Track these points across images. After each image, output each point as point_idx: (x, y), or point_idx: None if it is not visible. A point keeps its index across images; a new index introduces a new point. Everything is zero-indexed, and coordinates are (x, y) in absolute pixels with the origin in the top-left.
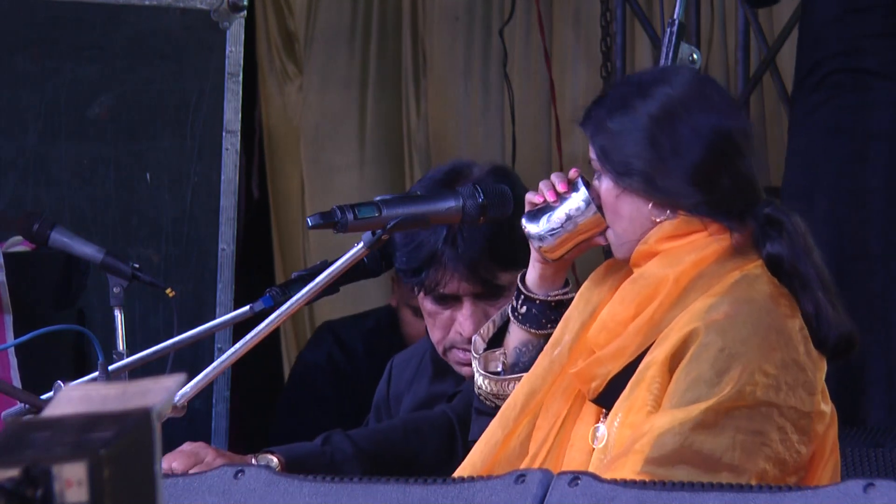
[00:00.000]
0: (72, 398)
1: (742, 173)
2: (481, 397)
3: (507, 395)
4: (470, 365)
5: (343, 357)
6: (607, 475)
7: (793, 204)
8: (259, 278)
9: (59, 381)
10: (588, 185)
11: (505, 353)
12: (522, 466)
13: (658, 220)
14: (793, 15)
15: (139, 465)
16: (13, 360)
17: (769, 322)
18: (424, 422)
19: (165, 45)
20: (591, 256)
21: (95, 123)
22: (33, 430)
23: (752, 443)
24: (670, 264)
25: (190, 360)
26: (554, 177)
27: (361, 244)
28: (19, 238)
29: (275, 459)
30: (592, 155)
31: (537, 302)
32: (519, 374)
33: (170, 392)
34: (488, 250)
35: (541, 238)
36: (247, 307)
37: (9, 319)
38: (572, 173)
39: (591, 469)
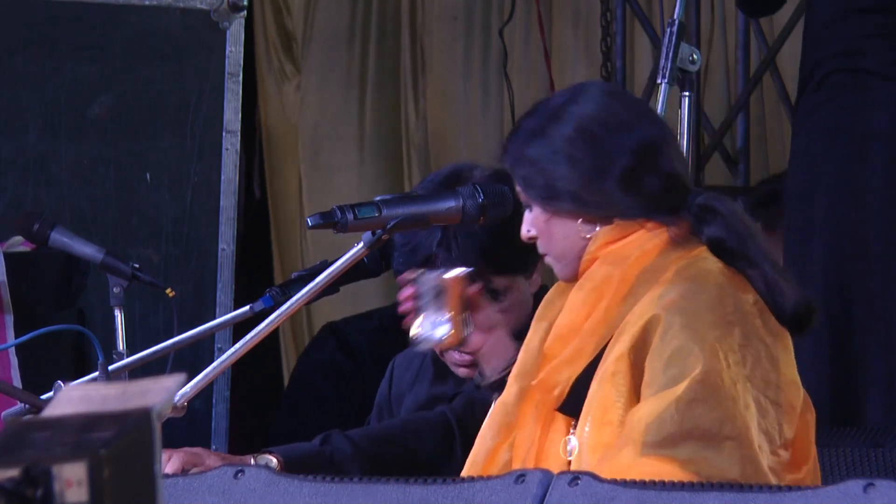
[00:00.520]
0: (72, 398)
1: (666, 171)
2: None
3: None
4: (467, 367)
5: (346, 357)
6: (604, 470)
7: (795, 204)
8: (259, 278)
9: (59, 381)
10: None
11: None
12: None
13: (588, 235)
14: (793, 15)
15: (139, 465)
16: (13, 360)
17: (723, 298)
18: (423, 422)
19: (165, 45)
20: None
21: (95, 123)
22: (33, 430)
23: (740, 412)
24: (613, 263)
25: (190, 360)
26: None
27: (361, 244)
28: (19, 238)
29: (273, 459)
30: (518, 188)
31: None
32: None
33: (170, 392)
34: (482, 255)
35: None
36: (247, 307)
37: (9, 319)
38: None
39: None
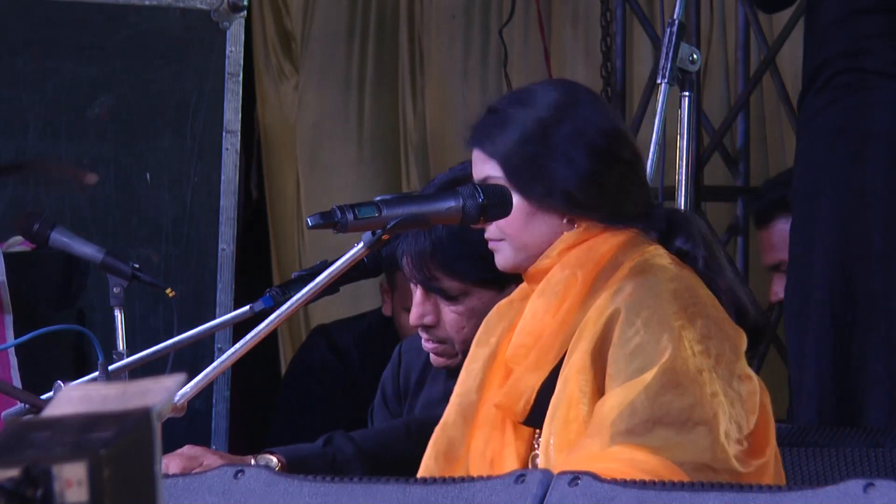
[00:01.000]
0: (72, 398)
1: (643, 181)
2: None
3: None
4: (434, 354)
5: (335, 360)
6: (572, 461)
7: (800, 205)
8: (259, 278)
9: (59, 381)
10: None
11: None
12: None
13: (566, 232)
14: (793, 15)
15: (139, 465)
16: (13, 360)
17: (680, 291)
18: (427, 423)
19: (165, 45)
20: None
21: (95, 123)
22: (33, 430)
23: (707, 398)
24: (574, 267)
25: (190, 360)
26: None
27: (361, 244)
28: (19, 238)
29: (274, 459)
30: (495, 172)
31: None
32: None
33: (170, 392)
34: (430, 249)
35: None
36: (247, 307)
37: (9, 319)
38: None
39: None
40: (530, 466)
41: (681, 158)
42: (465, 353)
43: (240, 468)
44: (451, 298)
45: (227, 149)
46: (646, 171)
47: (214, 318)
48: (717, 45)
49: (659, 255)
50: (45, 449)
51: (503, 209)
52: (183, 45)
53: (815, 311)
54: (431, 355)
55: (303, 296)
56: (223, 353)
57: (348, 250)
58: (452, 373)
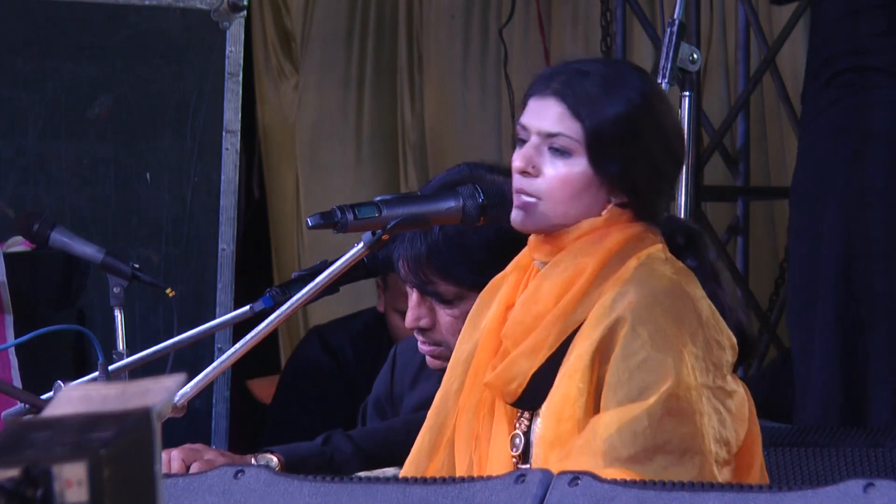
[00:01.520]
0: (72, 398)
1: (677, 181)
2: None
3: None
4: (430, 357)
5: (330, 360)
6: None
7: (803, 204)
8: (259, 278)
9: (59, 381)
10: None
11: None
12: None
13: (603, 213)
14: (792, 15)
15: (139, 465)
16: (13, 360)
17: (685, 304)
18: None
19: (165, 45)
20: None
21: (95, 123)
22: (33, 430)
23: (706, 425)
24: (585, 255)
25: (190, 360)
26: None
27: (361, 244)
28: (19, 238)
29: (274, 459)
30: (571, 133)
31: None
32: None
33: (170, 392)
34: (427, 253)
35: None
36: (247, 307)
37: (9, 319)
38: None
39: None
40: (510, 447)
41: None
42: None
43: (240, 468)
44: (447, 302)
45: (227, 149)
46: None
47: (214, 318)
48: (717, 45)
49: (662, 260)
50: (45, 449)
51: (503, 209)
52: (183, 45)
53: (820, 311)
54: (427, 357)
55: (303, 296)
56: (223, 353)
57: (348, 250)
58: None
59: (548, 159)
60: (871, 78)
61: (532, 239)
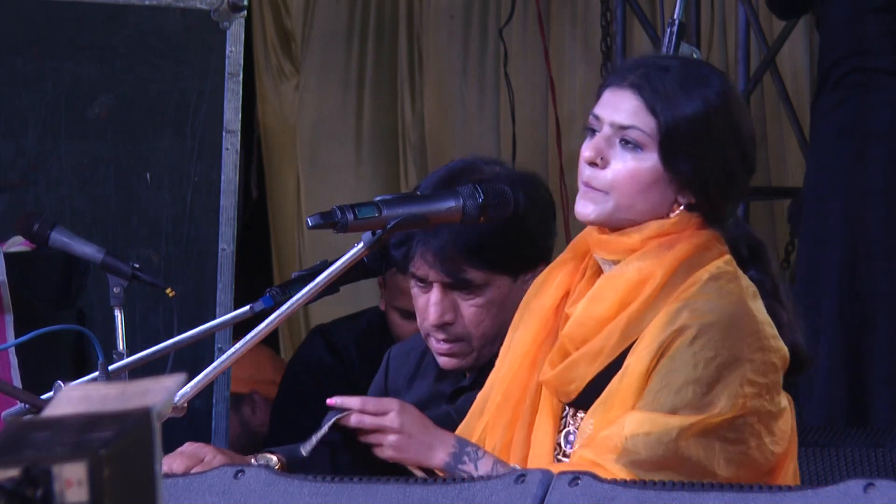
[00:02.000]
0: (72, 398)
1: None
2: None
3: None
4: (446, 356)
5: (334, 360)
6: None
7: (811, 204)
8: (259, 278)
9: (59, 381)
10: None
11: None
12: None
13: (672, 215)
14: None
15: (139, 465)
16: (13, 360)
17: (748, 327)
18: None
19: (165, 45)
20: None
21: (95, 123)
22: (33, 430)
23: (734, 452)
24: (654, 260)
25: (190, 360)
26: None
27: (361, 244)
28: (19, 238)
29: (274, 459)
30: (645, 127)
31: None
32: None
33: (170, 392)
34: (455, 240)
35: None
36: (247, 307)
37: (9, 319)
38: None
39: None
40: (563, 443)
41: None
42: (480, 350)
43: (240, 468)
44: (474, 289)
45: (227, 149)
46: None
47: (214, 318)
48: (717, 45)
49: (731, 276)
50: (45, 449)
51: (503, 209)
52: (183, 45)
53: (825, 311)
54: (442, 358)
55: (303, 296)
56: (223, 353)
57: (348, 250)
58: (441, 373)
59: (618, 152)
60: (875, 79)
61: (595, 234)
